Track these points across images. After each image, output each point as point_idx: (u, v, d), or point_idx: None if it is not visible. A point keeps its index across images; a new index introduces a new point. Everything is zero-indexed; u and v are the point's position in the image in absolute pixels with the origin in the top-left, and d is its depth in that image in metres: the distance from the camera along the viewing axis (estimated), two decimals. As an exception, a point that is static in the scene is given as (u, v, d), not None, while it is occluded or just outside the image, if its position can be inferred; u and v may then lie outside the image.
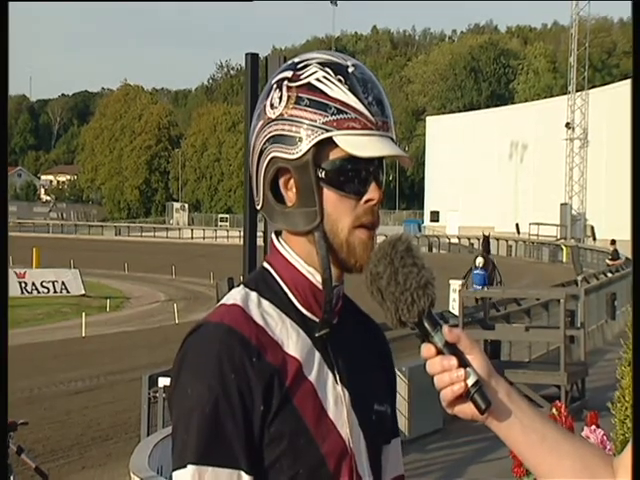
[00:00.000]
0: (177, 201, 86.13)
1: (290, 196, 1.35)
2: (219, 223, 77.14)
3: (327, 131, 1.31)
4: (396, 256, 1.25)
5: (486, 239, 23.37)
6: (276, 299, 1.36)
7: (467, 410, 1.24)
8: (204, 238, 65.60)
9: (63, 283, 27.73)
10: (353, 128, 1.32)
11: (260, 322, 1.33)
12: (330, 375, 1.35)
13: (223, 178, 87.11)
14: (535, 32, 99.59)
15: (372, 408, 1.40)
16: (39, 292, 27.46)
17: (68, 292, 27.39)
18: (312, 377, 1.33)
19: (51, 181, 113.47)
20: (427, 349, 1.25)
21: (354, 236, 1.33)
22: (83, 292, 27.45)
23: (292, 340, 1.33)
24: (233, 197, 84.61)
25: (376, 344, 1.49)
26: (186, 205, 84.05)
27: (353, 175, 1.33)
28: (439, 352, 1.24)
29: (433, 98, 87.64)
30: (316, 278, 1.37)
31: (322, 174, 1.32)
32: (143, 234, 69.90)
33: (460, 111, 73.86)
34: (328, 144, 1.32)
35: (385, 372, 1.48)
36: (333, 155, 1.32)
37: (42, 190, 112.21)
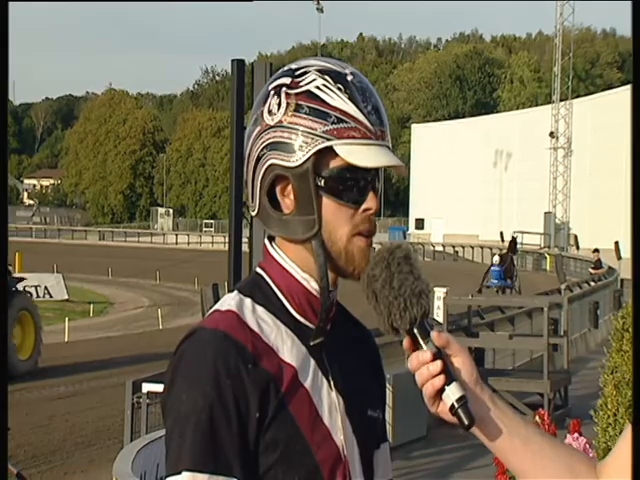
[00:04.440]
0: (162, 206, 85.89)
1: (287, 203, 1.35)
2: (204, 228, 77.02)
3: (327, 140, 1.31)
4: (393, 262, 1.26)
5: (514, 240, 27.79)
6: (270, 305, 1.36)
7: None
8: (189, 243, 65.45)
9: (46, 288, 27.56)
10: (353, 137, 1.32)
11: (255, 328, 1.32)
12: (325, 381, 1.35)
13: (208, 183, 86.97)
14: (520, 41, 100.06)
15: (365, 414, 1.40)
16: (22, 297, 27.25)
17: (51, 297, 27.22)
18: (307, 384, 1.33)
19: (34, 185, 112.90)
20: (407, 342, 1.26)
21: (352, 244, 1.33)
22: (66, 297, 27.30)
23: (287, 346, 1.33)
24: (218, 203, 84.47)
25: (367, 350, 1.49)
26: (171, 210, 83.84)
27: (352, 184, 1.33)
28: (418, 349, 1.25)
29: (418, 106, 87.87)
30: (311, 284, 1.37)
31: (321, 182, 1.32)
32: (127, 239, 69.65)
33: (445, 119, 74.12)
34: (328, 153, 1.32)
35: (376, 377, 1.49)
36: (332, 164, 1.32)
37: (25, 194, 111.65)
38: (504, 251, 29.19)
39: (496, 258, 25.87)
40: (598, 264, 24.82)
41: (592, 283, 20.35)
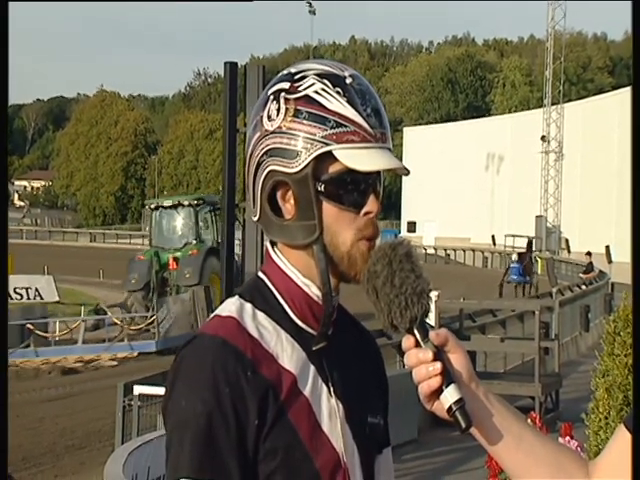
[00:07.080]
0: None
1: (288, 209, 1.34)
2: (195, 231, 76.80)
3: (326, 145, 1.30)
4: (395, 258, 1.25)
5: (530, 242, 31.28)
6: (271, 311, 1.35)
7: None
8: (180, 245, 65.17)
9: (37, 290, 27.40)
10: (352, 141, 1.31)
11: (255, 335, 1.32)
12: (324, 388, 1.34)
13: (200, 186, 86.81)
14: (511, 45, 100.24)
15: (366, 420, 1.40)
16: (12, 299, 27.12)
17: (42, 299, 27.05)
18: (307, 391, 1.32)
19: (25, 187, 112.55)
20: (406, 339, 1.26)
21: (355, 248, 1.32)
22: (57, 299, 27.16)
23: (287, 353, 1.32)
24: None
25: (368, 353, 1.48)
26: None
27: (352, 188, 1.32)
28: (417, 345, 1.25)
29: (410, 109, 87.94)
30: (312, 290, 1.36)
31: (321, 187, 1.31)
32: (119, 241, 69.43)
33: (437, 122, 74.20)
34: (327, 157, 1.31)
35: (378, 381, 1.48)
36: (332, 168, 1.32)
37: (16, 195, 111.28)
38: (522, 250, 31.30)
39: (514, 256, 28.19)
40: (589, 267, 24.90)
41: (583, 287, 20.40)
